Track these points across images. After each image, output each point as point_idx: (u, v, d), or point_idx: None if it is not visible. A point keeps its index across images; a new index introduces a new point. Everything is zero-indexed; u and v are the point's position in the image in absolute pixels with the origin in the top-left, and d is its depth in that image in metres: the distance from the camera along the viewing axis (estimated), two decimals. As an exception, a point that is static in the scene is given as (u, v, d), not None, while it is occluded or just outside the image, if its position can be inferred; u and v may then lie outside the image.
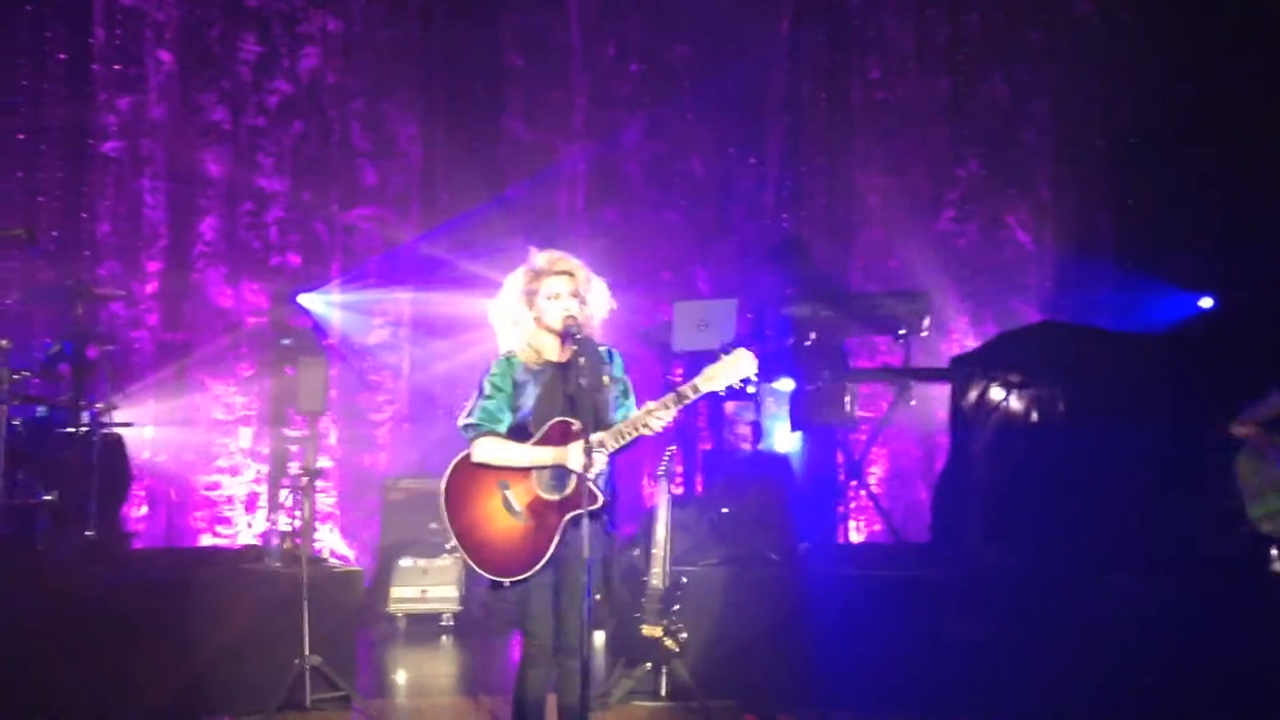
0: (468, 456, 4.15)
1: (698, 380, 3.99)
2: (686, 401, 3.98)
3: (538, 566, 4.02)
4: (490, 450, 4.10)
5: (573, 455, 3.96)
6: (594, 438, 3.92)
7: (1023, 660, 6.12)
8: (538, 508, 4.06)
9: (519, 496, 4.08)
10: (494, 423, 4.13)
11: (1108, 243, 9.01)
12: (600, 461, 3.96)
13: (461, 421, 4.18)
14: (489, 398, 4.14)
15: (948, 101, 9.59)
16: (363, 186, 8.99)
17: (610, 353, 4.27)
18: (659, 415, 3.95)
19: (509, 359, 4.22)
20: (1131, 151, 8.58)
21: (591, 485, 3.92)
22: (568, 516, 4.01)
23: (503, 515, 4.07)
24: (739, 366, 3.95)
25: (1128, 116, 8.51)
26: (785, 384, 7.56)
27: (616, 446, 4.01)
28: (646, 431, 3.98)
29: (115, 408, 6.69)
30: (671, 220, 9.58)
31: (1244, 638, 5.75)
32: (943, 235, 9.34)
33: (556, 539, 4.01)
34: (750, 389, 4.02)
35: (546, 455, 4.05)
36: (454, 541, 4.14)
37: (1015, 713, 5.92)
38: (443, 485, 4.14)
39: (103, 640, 5.38)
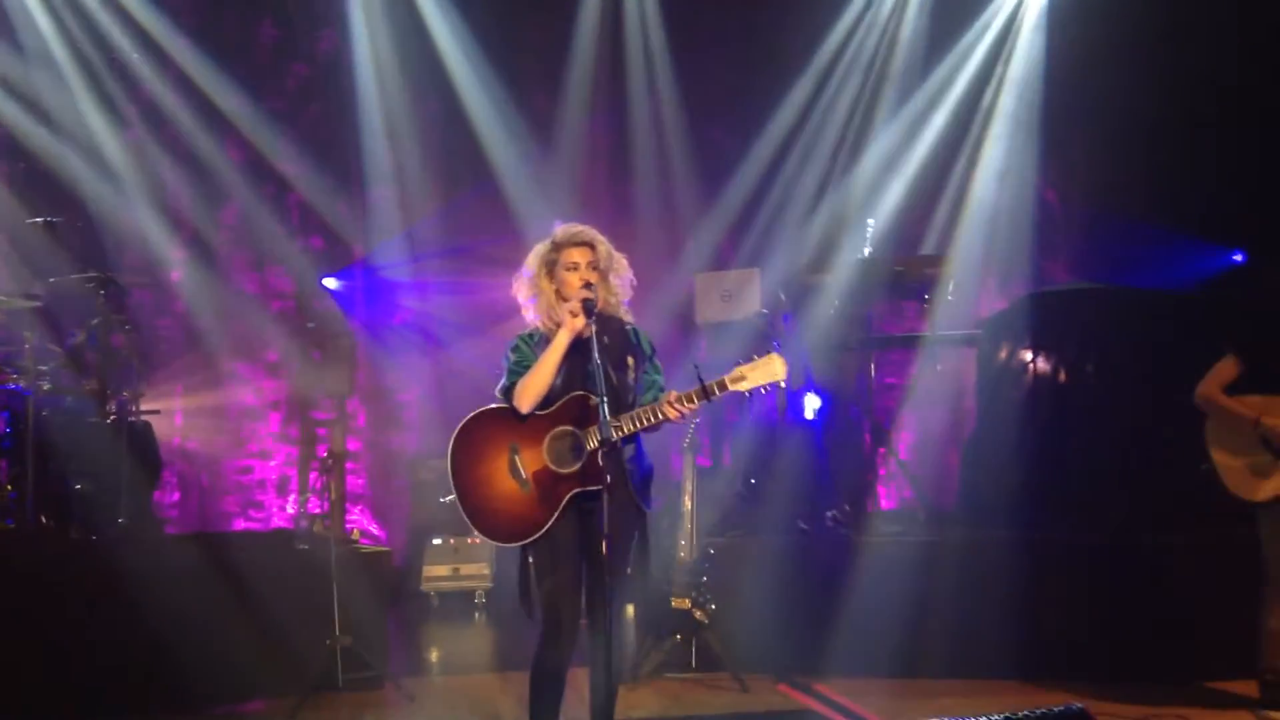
0: (481, 413, 4.14)
1: (726, 378, 4.00)
2: (711, 399, 3.98)
3: (533, 537, 4.00)
4: (523, 390, 4.06)
5: (569, 320, 4.01)
6: (613, 420, 3.93)
7: (1054, 621, 6.10)
8: (545, 479, 4.03)
9: (528, 463, 4.04)
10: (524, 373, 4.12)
11: (1137, 200, 8.85)
12: (613, 435, 3.93)
13: (498, 391, 4.18)
14: (516, 363, 4.15)
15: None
16: (382, 167, 8.95)
17: (636, 332, 4.28)
18: (678, 407, 3.95)
19: (530, 333, 4.24)
20: (1158, 107, 8.41)
21: (606, 466, 3.90)
22: (576, 491, 3.99)
23: (507, 479, 4.05)
24: (769, 371, 3.99)
25: (1156, 72, 8.33)
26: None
27: (634, 429, 3.99)
28: (666, 420, 3.97)
29: (142, 395, 6.74)
30: (694, 190, 9.49)
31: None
32: (967, 197, 9.19)
33: (558, 512, 3.99)
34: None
35: (558, 344, 4.03)
36: (453, 495, 4.11)
37: (1047, 673, 5.89)
38: (453, 438, 4.11)
39: (137, 626, 5.42)
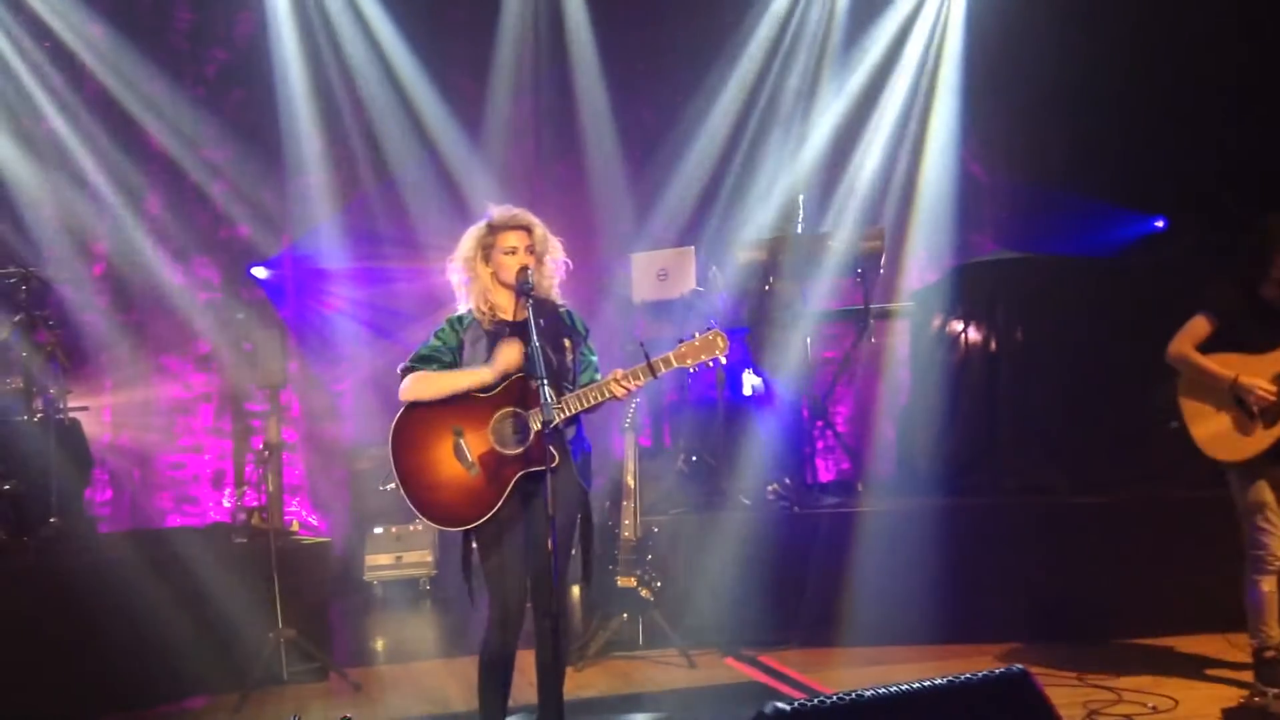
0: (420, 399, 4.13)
1: (671, 355, 4.02)
2: (656, 375, 4.01)
3: (481, 520, 3.99)
4: (415, 383, 4.09)
5: (505, 353, 3.99)
6: (556, 402, 3.93)
7: (995, 586, 6.22)
8: (490, 461, 4.01)
9: (473, 446, 4.03)
10: (426, 364, 4.13)
11: (1059, 170, 9.01)
12: (557, 417, 3.93)
13: (399, 368, 4.18)
14: (431, 348, 4.16)
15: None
16: (309, 152, 8.80)
17: (570, 314, 4.28)
18: (624, 384, 3.96)
19: (460, 317, 4.22)
20: (1077, 79, 8.57)
21: (550, 447, 3.90)
22: (522, 473, 3.98)
23: (452, 463, 4.03)
24: (711, 346, 4.02)
25: (1074, 44, 8.47)
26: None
27: (580, 408, 3.99)
28: (612, 398, 3.98)
29: (69, 393, 6.58)
30: (626, 171, 9.48)
31: (1208, 548, 5.88)
32: (893, 170, 9.29)
33: (506, 494, 3.98)
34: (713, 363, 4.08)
35: (465, 379, 4.03)
36: (395, 482, 4.10)
37: (990, 637, 6.01)
38: (393, 423, 4.11)
39: (73, 627, 5.33)
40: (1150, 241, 9.02)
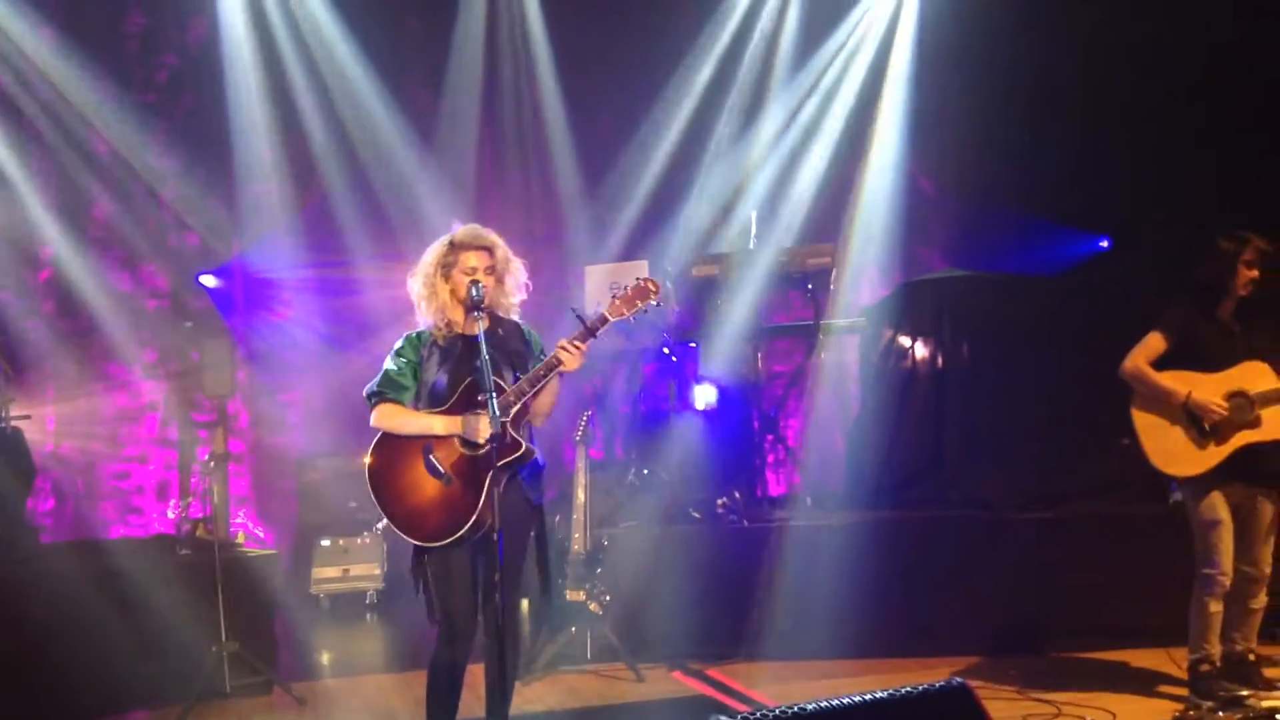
0: (384, 434, 4.14)
1: (605, 310, 4.05)
2: (596, 334, 4.04)
3: (468, 525, 3.96)
4: (388, 417, 4.11)
5: (469, 425, 4.00)
6: (510, 388, 3.98)
7: (938, 599, 6.29)
8: (463, 467, 4.02)
9: (443, 458, 4.04)
10: (395, 390, 4.14)
11: (1009, 188, 9.14)
12: (514, 405, 3.97)
13: (365, 391, 4.18)
14: (395, 373, 4.16)
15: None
16: (260, 160, 8.72)
17: (529, 332, 4.31)
18: (569, 350, 3.98)
19: (417, 334, 4.23)
20: (1030, 96, 8.69)
21: (515, 434, 3.95)
22: (493, 470, 3.96)
23: (429, 481, 4.04)
24: (644, 293, 4.06)
25: (1021, 66, 8.59)
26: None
27: (532, 388, 4.02)
28: (561, 369, 4.01)
29: (11, 400, 6.48)
30: (581, 183, 9.49)
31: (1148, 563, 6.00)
32: (844, 186, 9.38)
33: (484, 495, 3.97)
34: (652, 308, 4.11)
35: (440, 424, 4.05)
36: (384, 520, 4.10)
37: (934, 651, 6.07)
38: (367, 461, 4.11)
39: (14, 639, 5.26)
40: (1095, 261, 9.16)
